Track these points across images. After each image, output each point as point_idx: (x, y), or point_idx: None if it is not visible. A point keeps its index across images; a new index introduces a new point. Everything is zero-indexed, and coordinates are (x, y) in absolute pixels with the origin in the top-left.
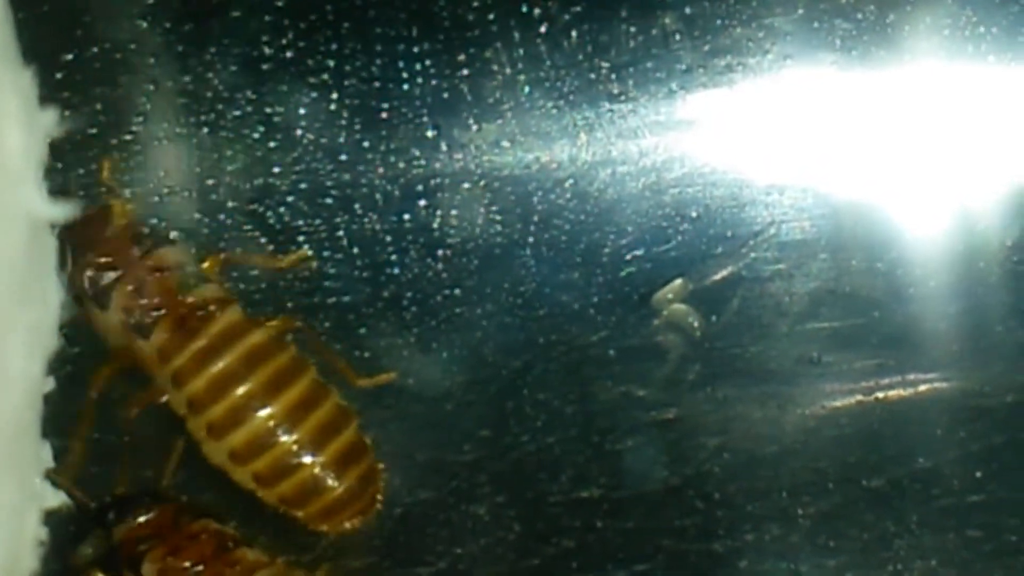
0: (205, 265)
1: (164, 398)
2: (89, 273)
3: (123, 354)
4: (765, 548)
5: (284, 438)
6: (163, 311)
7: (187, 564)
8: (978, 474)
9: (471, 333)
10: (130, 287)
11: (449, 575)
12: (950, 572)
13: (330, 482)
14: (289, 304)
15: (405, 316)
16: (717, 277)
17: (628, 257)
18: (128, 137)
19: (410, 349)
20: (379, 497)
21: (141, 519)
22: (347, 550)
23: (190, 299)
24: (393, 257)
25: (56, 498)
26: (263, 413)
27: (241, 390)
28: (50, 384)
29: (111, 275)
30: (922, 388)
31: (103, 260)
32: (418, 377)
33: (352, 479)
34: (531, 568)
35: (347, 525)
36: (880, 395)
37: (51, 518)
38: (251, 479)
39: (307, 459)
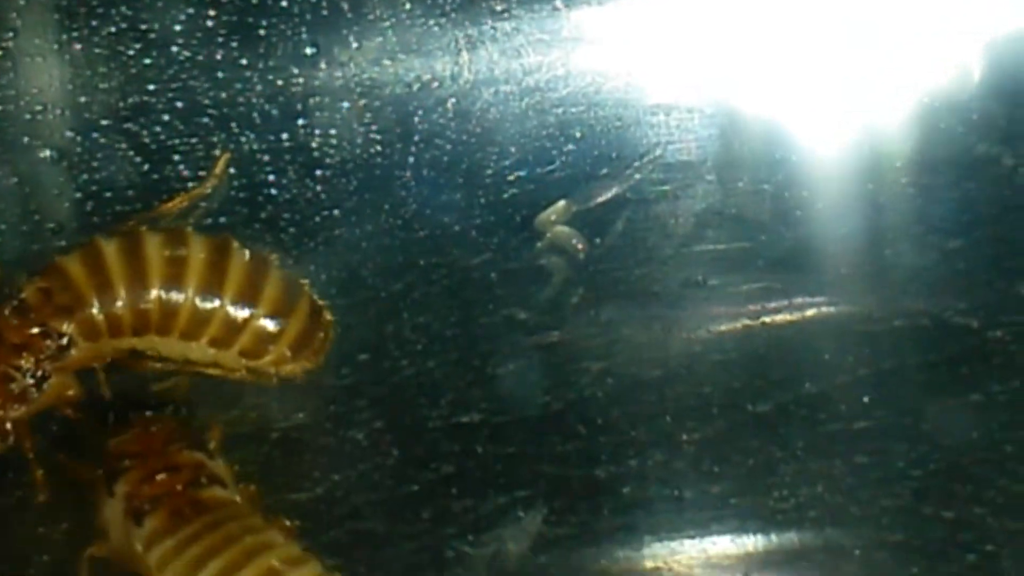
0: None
1: None
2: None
3: None
4: (648, 474)
5: None
6: None
7: (156, 493)
8: (865, 399)
9: (350, 255)
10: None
11: (326, 501)
12: (836, 499)
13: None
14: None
15: (283, 238)
16: (601, 199)
17: (511, 178)
18: None
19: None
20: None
21: (135, 434)
22: None
23: None
24: (271, 177)
25: None
26: None
27: None
28: None
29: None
30: (809, 312)
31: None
32: None
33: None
34: (410, 494)
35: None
36: (766, 319)
37: None
38: None
39: None
